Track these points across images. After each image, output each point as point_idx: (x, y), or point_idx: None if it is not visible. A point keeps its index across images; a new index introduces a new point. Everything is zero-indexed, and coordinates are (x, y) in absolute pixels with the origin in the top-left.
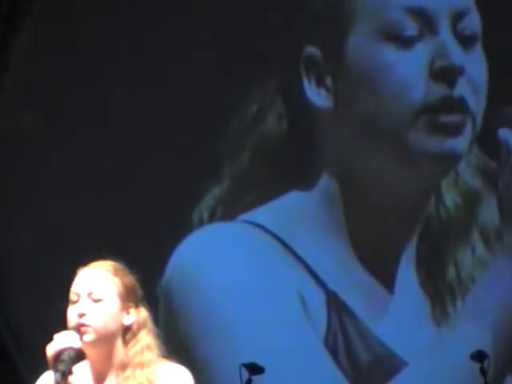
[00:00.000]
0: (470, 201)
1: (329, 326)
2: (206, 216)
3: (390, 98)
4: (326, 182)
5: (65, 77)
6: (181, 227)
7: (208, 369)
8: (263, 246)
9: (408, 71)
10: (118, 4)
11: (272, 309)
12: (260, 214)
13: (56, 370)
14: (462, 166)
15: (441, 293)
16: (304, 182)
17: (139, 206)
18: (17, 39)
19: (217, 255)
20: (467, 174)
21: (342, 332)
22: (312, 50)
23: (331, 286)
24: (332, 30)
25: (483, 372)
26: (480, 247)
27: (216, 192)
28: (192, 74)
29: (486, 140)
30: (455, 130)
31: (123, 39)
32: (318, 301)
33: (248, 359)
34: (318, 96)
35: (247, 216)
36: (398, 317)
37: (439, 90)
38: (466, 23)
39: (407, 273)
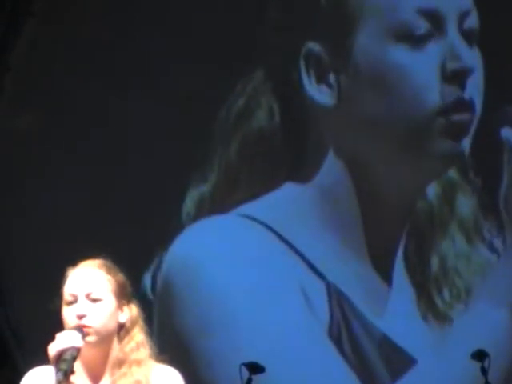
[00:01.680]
0: (450, 191)
1: (331, 316)
2: (192, 212)
3: (403, 101)
4: (324, 177)
5: (65, 77)
6: (170, 223)
7: (210, 364)
8: (262, 240)
9: (421, 73)
10: (118, 4)
11: (275, 302)
12: (256, 207)
13: (58, 370)
14: None
15: (426, 285)
16: (299, 176)
17: (136, 204)
18: (17, 40)
19: (216, 250)
20: None
21: (345, 322)
22: (313, 45)
23: (330, 278)
24: (338, 26)
25: (484, 371)
26: (460, 239)
27: (204, 188)
28: (186, 69)
29: (487, 139)
30: (464, 132)
31: (122, 39)
32: (319, 293)
33: (251, 354)
34: (319, 92)
35: (243, 209)
36: (397, 310)
37: (452, 93)
38: (469, 22)
39: (399, 267)
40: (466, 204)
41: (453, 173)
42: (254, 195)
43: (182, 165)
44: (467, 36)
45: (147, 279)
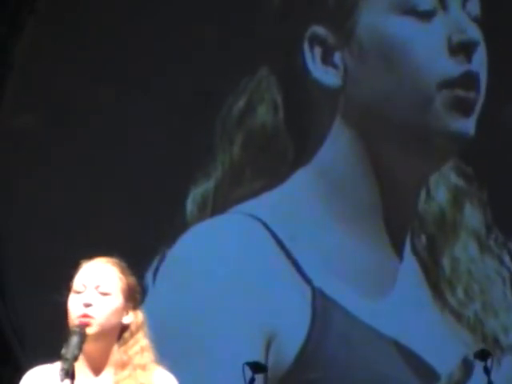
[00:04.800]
0: (458, 198)
1: (313, 321)
2: (195, 210)
3: (409, 74)
4: (328, 161)
5: (66, 76)
6: (174, 222)
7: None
8: (259, 241)
9: (428, 46)
10: (119, 4)
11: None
12: (260, 205)
13: (61, 369)
14: (444, 168)
15: (439, 285)
16: (301, 162)
17: (139, 203)
18: (19, 38)
19: (215, 250)
20: (451, 174)
21: (329, 327)
22: (317, 28)
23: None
24: (341, 5)
25: (486, 370)
26: (472, 247)
27: (207, 185)
28: (188, 67)
29: (489, 138)
30: (470, 109)
31: (124, 39)
32: (303, 298)
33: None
34: (325, 74)
35: (248, 207)
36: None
37: (459, 65)
38: (472, 6)
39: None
40: (474, 214)
41: (461, 181)
42: (257, 191)
43: (185, 162)
44: (470, 17)
45: (149, 277)
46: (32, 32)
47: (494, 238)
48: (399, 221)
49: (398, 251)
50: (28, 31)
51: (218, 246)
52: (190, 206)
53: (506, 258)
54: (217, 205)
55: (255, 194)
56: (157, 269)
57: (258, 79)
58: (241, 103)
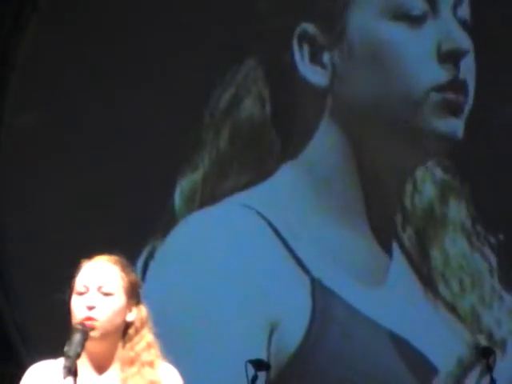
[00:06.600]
0: (445, 192)
1: (313, 313)
2: (184, 201)
3: (398, 78)
4: (315, 156)
5: (67, 76)
6: (162, 213)
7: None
8: (255, 231)
9: (417, 52)
10: (119, 4)
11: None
12: (254, 196)
13: (63, 367)
14: (431, 165)
15: (430, 277)
16: (288, 156)
17: (129, 195)
18: (22, 39)
19: (207, 242)
20: (436, 170)
21: (329, 318)
22: (307, 26)
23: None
24: (332, 6)
25: (489, 368)
26: (461, 241)
27: (194, 177)
28: (176, 60)
29: (485, 141)
30: (458, 111)
31: (124, 39)
32: (302, 288)
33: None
34: (313, 73)
35: (242, 198)
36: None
37: (446, 73)
38: (462, 10)
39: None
40: (460, 209)
41: (446, 177)
42: (245, 183)
43: (174, 155)
44: (460, 22)
45: (138, 268)
46: (34, 31)
47: (476, 232)
48: (385, 217)
49: (386, 246)
50: (30, 31)
51: (214, 236)
52: (178, 198)
53: (488, 252)
54: (205, 197)
55: (242, 186)
56: (146, 263)
57: (245, 71)
58: (228, 95)
